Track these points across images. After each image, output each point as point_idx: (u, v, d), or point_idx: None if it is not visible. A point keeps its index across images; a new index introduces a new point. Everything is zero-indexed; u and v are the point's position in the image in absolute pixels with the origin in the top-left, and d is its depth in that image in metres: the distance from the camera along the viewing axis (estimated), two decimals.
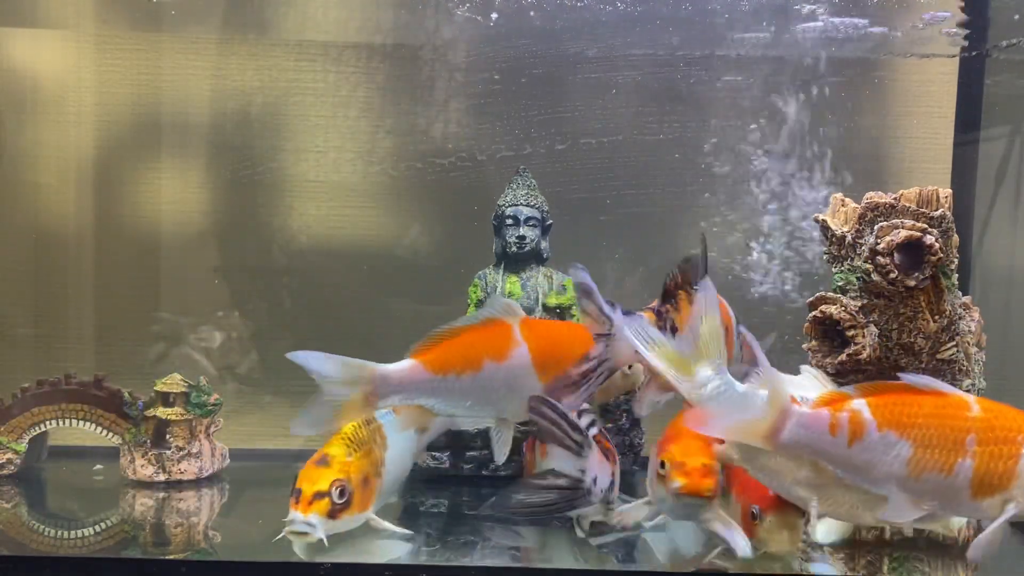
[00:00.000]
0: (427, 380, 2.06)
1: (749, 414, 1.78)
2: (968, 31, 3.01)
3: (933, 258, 2.06)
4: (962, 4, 2.96)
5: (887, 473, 1.80)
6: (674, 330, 2.09)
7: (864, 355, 2.12)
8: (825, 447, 1.80)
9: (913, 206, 2.13)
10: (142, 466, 2.60)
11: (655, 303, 2.20)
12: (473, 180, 3.19)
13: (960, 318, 2.21)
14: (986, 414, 1.81)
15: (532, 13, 3.02)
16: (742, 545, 1.86)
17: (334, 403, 2.02)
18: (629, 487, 2.61)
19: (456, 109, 3.19)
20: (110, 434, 2.64)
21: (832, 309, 2.15)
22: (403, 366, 2.07)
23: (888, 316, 2.14)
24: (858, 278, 2.15)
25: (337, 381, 2.02)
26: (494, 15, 2.98)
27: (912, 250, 2.07)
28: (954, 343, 2.17)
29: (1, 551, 2.04)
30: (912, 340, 2.14)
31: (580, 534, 2.07)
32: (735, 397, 1.79)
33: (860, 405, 1.81)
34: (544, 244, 2.80)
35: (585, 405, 2.16)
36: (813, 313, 2.19)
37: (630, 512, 2.06)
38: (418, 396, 2.08)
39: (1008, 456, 1.78)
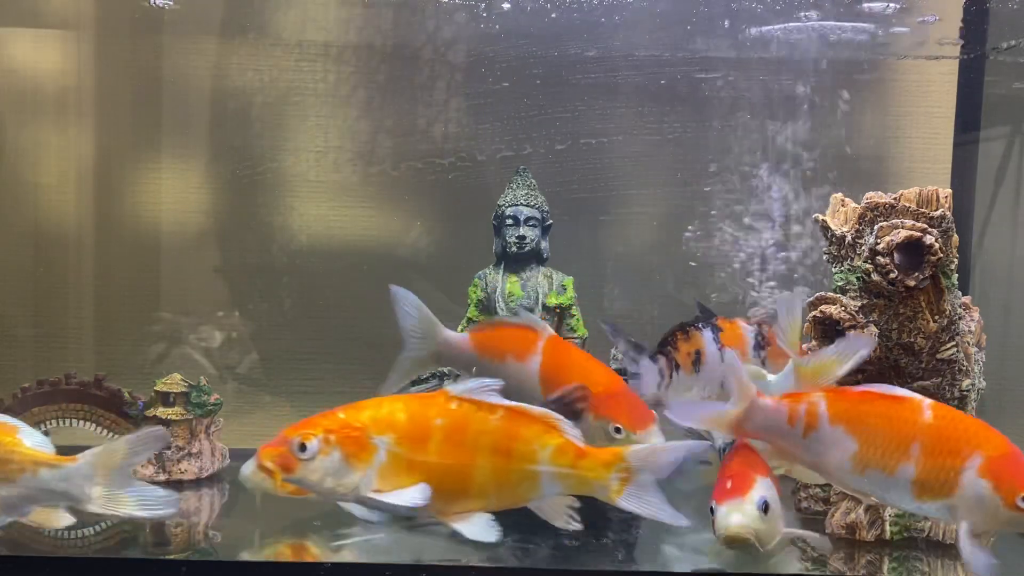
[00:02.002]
0: (472, 358, 2.34)
1: (720, 406, 1.98)
2: (967, 32, 3.01)
3: (933, 258, 2.06)
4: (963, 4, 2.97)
5: (835, 464, 1.91)
6: (676, 367, 2.44)
7: (870, 351, 2.12)
8: (783, 435, 1.95)
9: (913, 206, 2.13)
10: (142, 466, 2.60)
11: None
12: (473, 180, 3.19)
13: (960, 318, 2.21)
14: (937, 423, 1.85)
15: (532, 13, 3.02)
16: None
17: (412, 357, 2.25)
18: None
19: (456, 109, 3.19)
20: (110, 434, 2.64)
21: (832, 309, 2.15)
22: (463, 338, 2.36)
23: (888, 316, 2.14)
24: (858, 278, 2.15)
25: (418, 332, 2.26)
26: (506, 5, 2.98)
27: (912, 250, 2.07)
28: (954, 343, 2.17)
29: (1, 551, 2.04)
30: (912, 340, 2.14)
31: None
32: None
33: (818, 399, 1.93)
34: (544, 244, 2.80)
35: None
36: (813, 313, 2.18)
37: None
38: (463, 369, 2.35)
39: (951, 468, 1.82)
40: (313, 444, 1.81)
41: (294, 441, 1.81)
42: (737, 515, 1.85)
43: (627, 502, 1.90)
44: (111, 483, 1.88)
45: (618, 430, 2.13)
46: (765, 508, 1.86)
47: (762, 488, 1.90)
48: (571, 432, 1.93)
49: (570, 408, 2.13)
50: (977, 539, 1.82)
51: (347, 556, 2.03)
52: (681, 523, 1.89)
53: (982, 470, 1.79)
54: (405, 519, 2.09)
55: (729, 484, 1.91)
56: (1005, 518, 1.79)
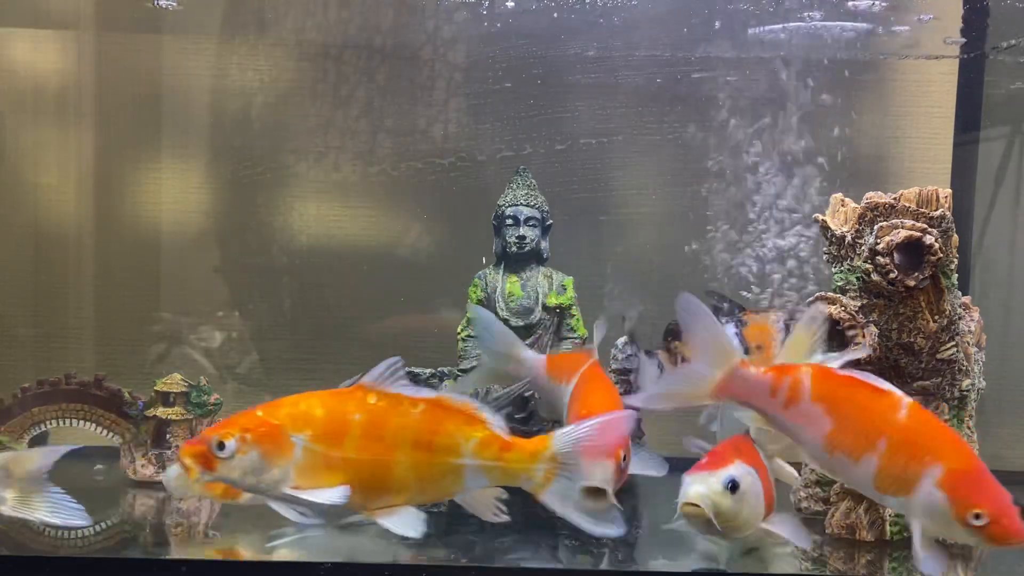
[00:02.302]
0: (543, 379, 2.39)
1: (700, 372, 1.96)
2: (967, 31, 3.01)
3: (933, 258, 2.06)
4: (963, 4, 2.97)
5: (810, 440, 1.92)
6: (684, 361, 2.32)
7: (864, 355, 2.12)
8: (764, 405, 1.95)
9: (913, 206, 2.13)
10: (142, 466, 2.60)
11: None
12: (473, 180, 3.19)
13: (960, 318, 2.21)
14: (909, 423, 1.86)
15: (532, 13, 3.02)
16: None
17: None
18: (630, 488, 2.61)
19: (456, 109, 3.19)
20: (110, 434, 2.65)
21: (832, 309, 2.15)
22: (539, 360, 2.37)
23: (888, 316, 2.14)
24: (858, 278, 2.15)
25: (499, 350, 2.28)
26: (510, 3, 2.98)
27: (912, 250, 2.07)
28: (954, 343, 2.17)
29: (1, 551, 2.04)
30: (912, 340, 2.14)
31: None
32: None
33: (805, 375, 1.93)
34: (544, 244, 2.80)
35: None
36: None
37: None
38: (535, 388, 2.41)
39: (911, 471, 1.83)
40: (231, 443, 1.82)
41: (213, 440, 1.82)
42: (699, 486, 1.85)
43: (551, 499, 1.87)
44: (25, 488, 1.94)
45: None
46: (733, 488, 1.85)
47: (736, 470, 1.88)
48: (496, 424, 1.91)
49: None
50: (930, 541, 1.84)
51: (282, 556, 2.02)
52: (596, 532, 1.86)
53: (940, 481, 1.79)
54: (339, 518, 2.08)
55: (704, 461, 1.92)
56: (956, 532, 1.81)
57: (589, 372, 2.35)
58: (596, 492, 1.88)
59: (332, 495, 1.82)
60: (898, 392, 1.89)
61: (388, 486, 1.87)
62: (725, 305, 2.58)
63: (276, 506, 1.98)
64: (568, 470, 1.86)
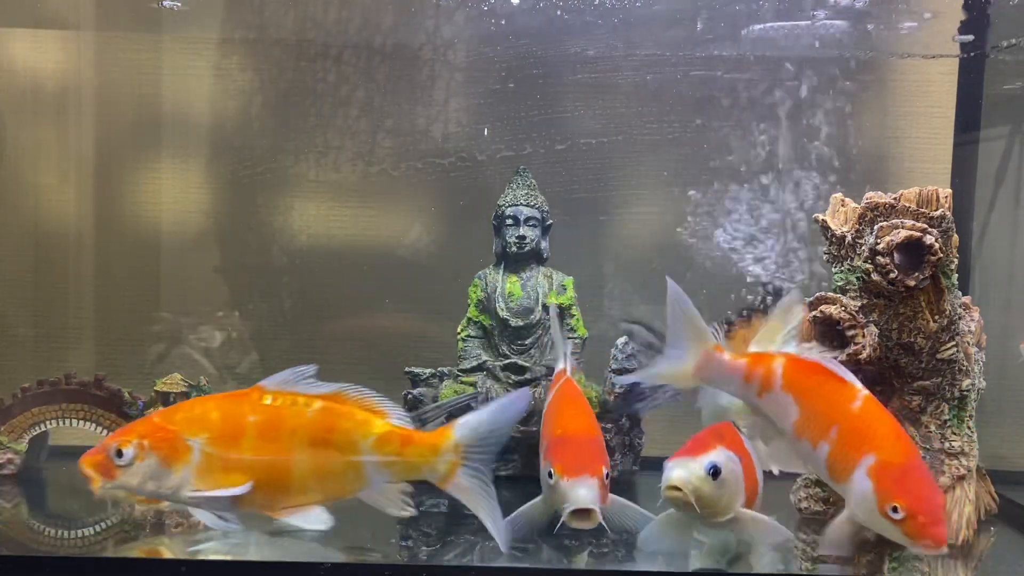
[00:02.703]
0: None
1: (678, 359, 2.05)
2: (966, 31, 3.01)
3: (933, 258, 2.06)
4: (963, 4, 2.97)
5: (783, 427, 1.98)
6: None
7: (864, 355, 2.12)
8: (738, 391, 2.04)
9: (913, 206, 2.13)
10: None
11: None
12: (473, 180, 3.19)
13: (960, 318, 2.21)
14: (859, 413, 1.91)
15: (533, 13, 3.02)
16: None
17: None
18: (629, 486, 2.62)
19: (456, 109, 3.19)
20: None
21: (832, 309, 2.15)
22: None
23: (888, 316, 2.14)
24: (858, 278, 2.15)
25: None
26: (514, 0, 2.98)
27: (912, 250, 2.07)
28: (954, 343, 2.17)
29: (1, 551, 2.04)
30: (912, 340, 2.14)
31: None
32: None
33: (778, 364, 1.99)
34: (544, 244, 2.80)
35: None
36: (813, 313, 2.19)
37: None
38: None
39: (850, 459, 1.87)
40: (129, 450, 1.84)
41: (111, 448, 1.85)
42: (681, 470, 1.86)
43: (457, 491, 1.88)
44: None
45: (550, 474, 1.96)
46: (714, 473, 1.86)
47: (718, 456, 1.90)
48: (397, 419, 1.92)
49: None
50: (845, 527, 1.89)
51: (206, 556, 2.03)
52: (497, 533, 1.88)
53: (870, 470, 1.83)
54: (267, 523, 2.08)
55: (687, 446, 1.93)
56: (879, 523, 1.83)
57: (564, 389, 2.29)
58: (583, 513, 1.88)
59: (235, 490, 1.84)
60: (857, 384, 1.94)
61: (289, 486, 1.89)
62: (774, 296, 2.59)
63: (193, 510, 1.98)
64: (471, 460, 1.88)
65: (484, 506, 1.89)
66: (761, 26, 3.03)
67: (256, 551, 2.01)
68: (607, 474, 1.95)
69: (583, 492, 1.89)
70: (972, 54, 3.08)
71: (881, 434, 1.88)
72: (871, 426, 1.90)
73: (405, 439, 1.90)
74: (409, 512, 1.94)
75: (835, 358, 2.16)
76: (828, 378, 1.95)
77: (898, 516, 1.79)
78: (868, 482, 1.83)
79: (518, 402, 1.97)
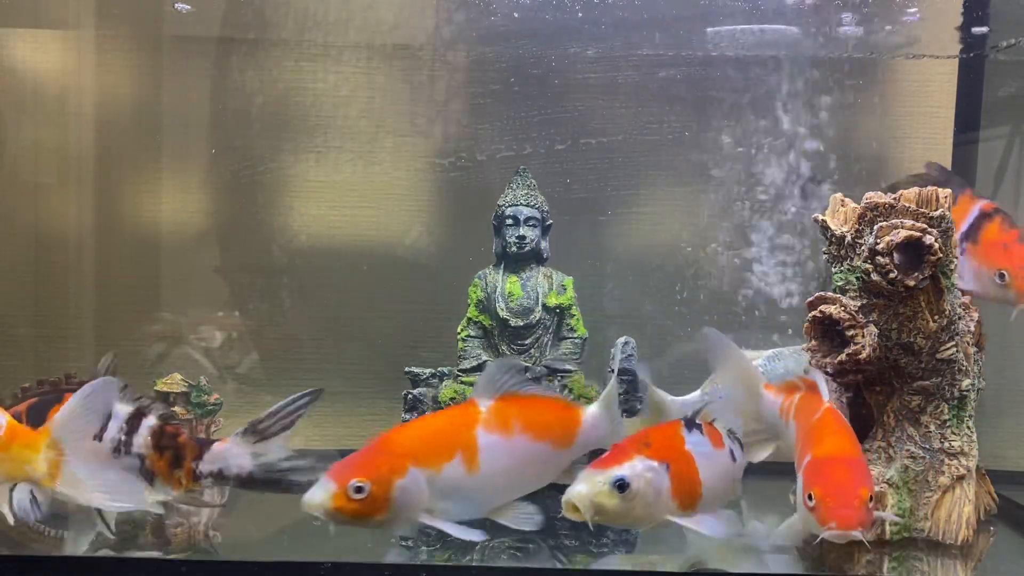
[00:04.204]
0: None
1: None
2: (966, 31, 3.01)
3: (933, 258, 2.06)
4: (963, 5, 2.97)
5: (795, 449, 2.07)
6: None
7: (864, 355, 2.12)
8: (775, 424, 2.18)
9: (913, 206, 2.13)
10: None
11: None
12: (473, 180, 3.19)
13: (960, 318, 2.21)
14: (817, 424, 2.01)
15: (533, 13, 3.02)
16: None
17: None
18: None
19: (456, 109, 3.19)
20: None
21: (832, 309, 2.15)
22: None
23: (888, 316, 2.14)
24: (858, 278, 2.15)
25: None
26: None
27: (912, 250, 2.07)
28: (953, 343, 2.17)
29: (1, 551, 2.04)
30: (912, 340, 2.14)
31: None
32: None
33: (797, 395, 2.15)
34: (544, 244, 2.80)
35: None
36: (813, 313, 2.19)
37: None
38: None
39: (799, 465, 1.95)
40: None
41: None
42: (582, 486, 1.81)
43: (66, 490, 1.83)
44: None
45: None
46: (621, 487, 1.80)
47: (632, 467, 1.83)
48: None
49: None
50: (788, 531, 1.98)
51: None
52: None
53: (804, 468, 1.90)
54: None
55: (607, 455, 1.89)
56: (807, 519, 1.85)
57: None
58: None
59: None
60: (824, 398, 2.07)
61: None
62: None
63: None
64: (71, 454, 1.83)
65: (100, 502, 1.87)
66: (762, 26, 3.03)
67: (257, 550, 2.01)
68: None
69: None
70: (972, 54, 3.08)
71: (824, 434, 1.97)
72: (821, 430, 1.98)
73: (12, 435, 1.82)
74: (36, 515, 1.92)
75: (835, 358, 2.17)
76: (807, 398, 2.09)
77: (812, 504, 1.82)
78: (801, 479, 1.89)
79: (106, 389, 1.92)
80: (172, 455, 2.10)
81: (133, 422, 2.12)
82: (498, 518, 1.92)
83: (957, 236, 2.32)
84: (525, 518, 1.91)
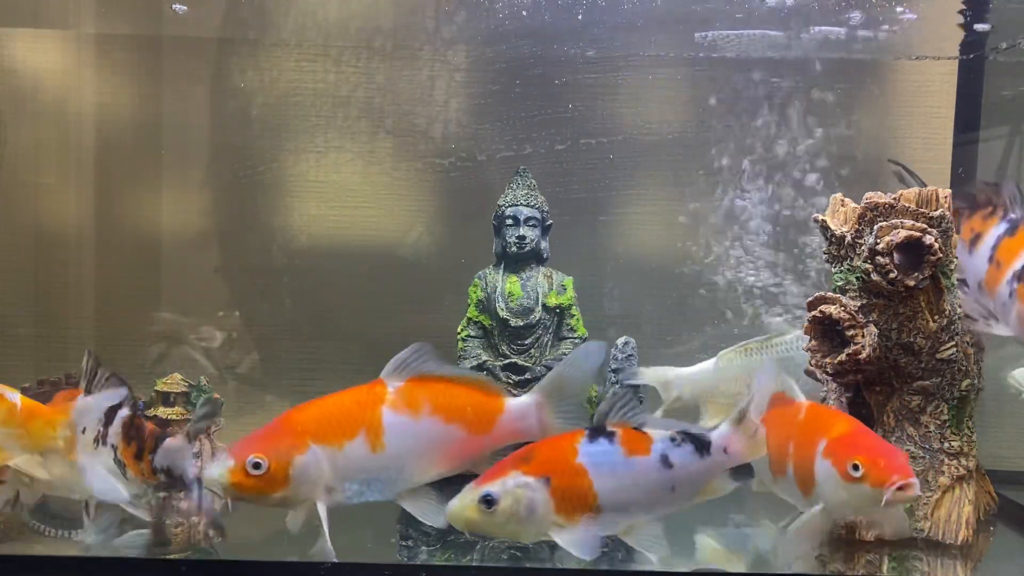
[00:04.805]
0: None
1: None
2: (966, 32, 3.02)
3: (932, 258, 2.06)
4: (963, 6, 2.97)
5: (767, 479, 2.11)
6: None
7: (864, 355, 2.12)
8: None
9: (912, 206, 2.13)
10: None
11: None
12: (473, 180, 3.19)
13: (960, 318, 2.21)
14: (804, 419, 2.03)
15: (533, 13, 3.02)
16: None
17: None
18: None
19: (456, 109, 3.19)
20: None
21: (832, 309, 2.15)
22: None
23: (888, 316, 2.14)
24: (857, 278, 2.15)
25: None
26: None
27: (911, 250, 2.08)
28: (953, 343, 2.17)
29: (1, 551, 2.04)
30: (912, 340, 2.14)
31: None
32: None
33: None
34: (544, 244, 2.80)
35: None
36: (813, 313, 2.19)
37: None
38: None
39: (808, 457, 1.96)
40: None
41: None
42: (456, 499, 1.83)
43: (76, 469, 2.00)
44: None
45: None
46: (488, 503, 1.81)
47: (503, 484, 1.84)
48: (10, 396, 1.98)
49: None
50: (813, 524, 1.98)
51: None
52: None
53: (824, 451, 1.90)
54: None
55: (487, 472, 1.88)
56: (849, 494, 1.88)
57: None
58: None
59: None
60: (802, 399, 2.07)
61: None
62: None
63: None
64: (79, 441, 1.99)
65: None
66: (763, 28, 3.03)
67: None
68: None
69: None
70: (972, 55, 3.08)
71: (825, 422, 1.98)
72: (817, 422, 1.99)
73: (31, 412, 2.00)
74: None
75: (835, 358, 2.17)
76: (779, 406, 2.07)
77: (859, 473, 1.83)
78: (826, 461, 1.89)
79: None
80: (137, 446, 2.18)
81: (110, 414, 2.18)
82: (406, 504, 1.94)
83: (1009, 274, 2.21)
84: (432, 513, 1.92)
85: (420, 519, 1.94)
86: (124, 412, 2.18)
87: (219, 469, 1.80)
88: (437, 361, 2.00)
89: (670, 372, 2.66)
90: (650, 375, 2.68)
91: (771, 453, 2.03)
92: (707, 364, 2.70)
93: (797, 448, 1.99)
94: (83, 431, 2.13)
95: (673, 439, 1.96)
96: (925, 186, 2.19)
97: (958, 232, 2.29)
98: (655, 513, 1.95)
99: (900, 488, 1.82)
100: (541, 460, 1.88)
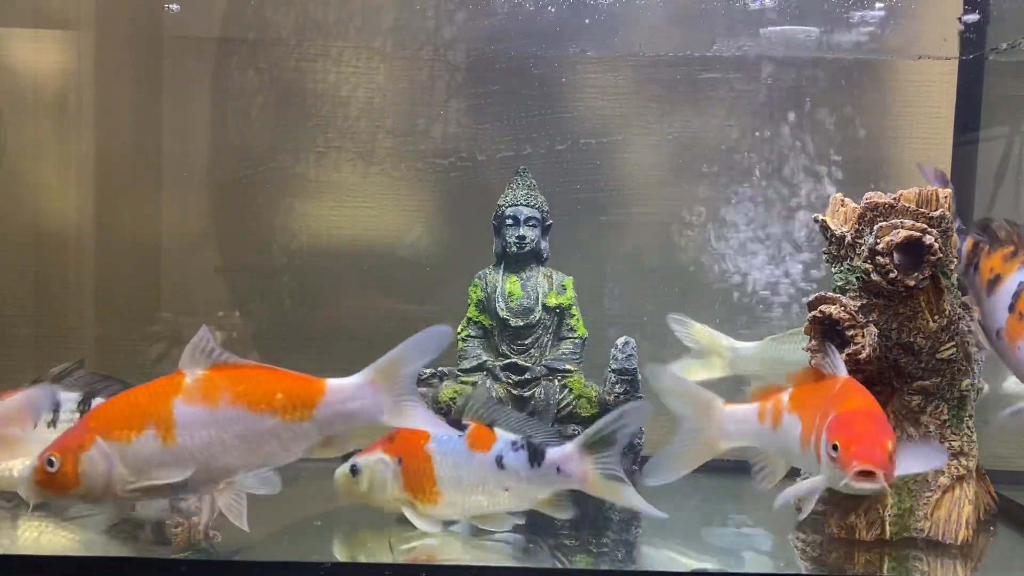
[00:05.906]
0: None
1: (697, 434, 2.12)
2: (965, 31, 3.02)
3: (932, 258, 2.06)
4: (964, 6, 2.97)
5: (793, 448, 2.00)
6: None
7: (864, 355, 2.12)
8: (758, 434, 2.09)
9: (913, 206, 2.13)
10: None
11: None
12: (473, 180, 3.19)
13: (960, 318, 2.21)
14: (837, 393, 1.96)
15: (533, 12, 3.02)
16: None
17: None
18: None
19: (456, 109, 3.19)
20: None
21: (832, 309, 2.15)
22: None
23: (888, 316, 2.14)
24: (858, 278, 2.15)
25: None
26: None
27: (912, 250, 2.07)
28: (953, 343, 2.17)
29: (1, 551, 2.04)
30: (912, 340, 2.14)
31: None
32: None
33: (785, 392, 2.07)
34: (544, 244, 2.80)
35: None
36: (813, 313, 2.19)
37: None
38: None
39: (819, 429, 1.89)
40: None
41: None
42: (339, 469, 2.13)
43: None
44: None
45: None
46: (354, 471, 2.11)
47: (368, 459, 2.11)
48: None
49: None
50: (804, 491, 1.92)
51: None
52: None
53: (826, 426, 1.86)
54: None
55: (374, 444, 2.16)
56: (828, 470, 1.84)
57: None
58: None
59: None
60: (841, 371, 2.00)
61: None
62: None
63: None
64: None
65: None
66: (763, 28, 3.03)
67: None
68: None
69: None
70: (971, 55, 3.08)
71: (846, 398, 1.93)
72: (840, 396, 1.94)
73: None
74: None
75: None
76: (820, 382, 2.02)
77: (836, 454, 1.80)
78: (823, 436, 1.86)
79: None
80: None
81: (84, 406, 2.28)
82: (217, 498, 1.96)
83: None
84: (236, 511, 1.94)
85: (226, 513, 1.95)
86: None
87: (27, 469, 1.86)
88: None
89: (724, 339, 2.72)
90: (704, 334, 2.74)
91: (805, 424, 1.98)
92: (755, 344, 2.74)
93: (820, 421, 1.93)
94: (53, 425, 2.24)
95: (514, 443, 2.10)
96: (950, 188, 2.22)
97: (976, 269, 2.31)
98: (496, 509, 2.08)
99: (860, 475, 1.77)
100: (399, 442, 2.12)
